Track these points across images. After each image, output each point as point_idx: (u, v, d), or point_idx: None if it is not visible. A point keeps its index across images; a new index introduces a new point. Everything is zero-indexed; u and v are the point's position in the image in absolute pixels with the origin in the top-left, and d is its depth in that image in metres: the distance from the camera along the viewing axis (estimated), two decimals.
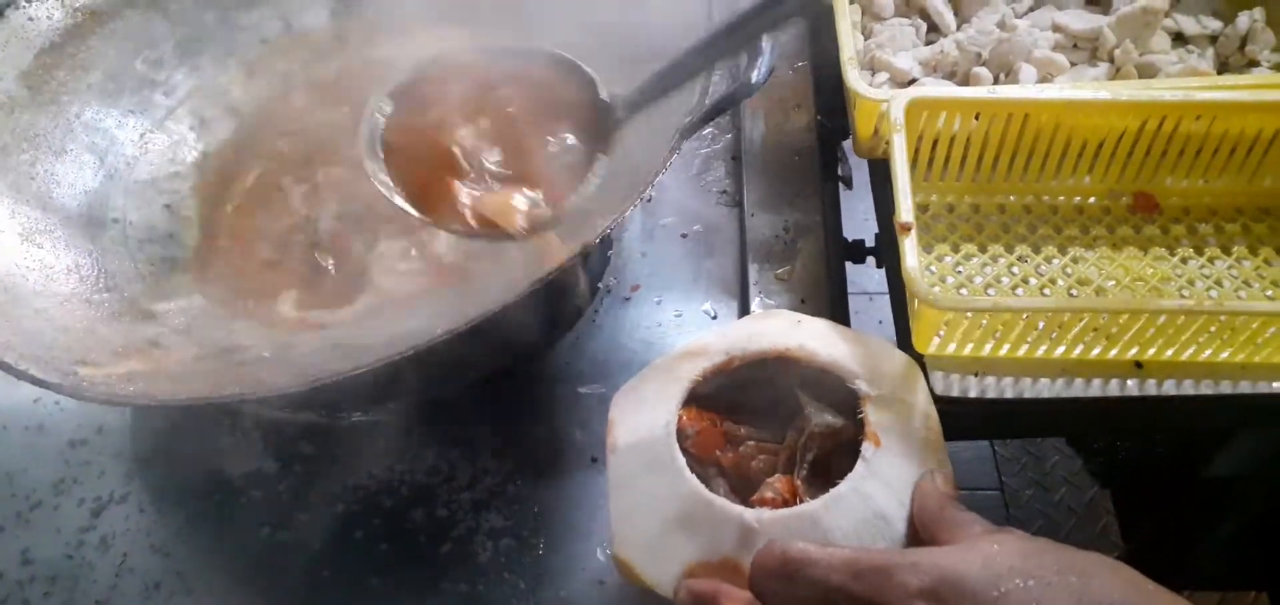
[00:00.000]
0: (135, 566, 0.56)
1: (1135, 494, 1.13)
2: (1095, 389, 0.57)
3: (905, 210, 0.55)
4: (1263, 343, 0.54)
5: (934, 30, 0.75)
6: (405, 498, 0.58)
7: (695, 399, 0.48)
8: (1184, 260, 0.63)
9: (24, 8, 0.69)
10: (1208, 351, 0.55)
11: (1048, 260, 0.63)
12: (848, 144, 0.72)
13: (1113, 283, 0.62)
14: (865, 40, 0.74)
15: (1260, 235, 0.64)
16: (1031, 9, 0.74)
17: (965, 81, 0.69)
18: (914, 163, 0.64)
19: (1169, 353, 0.56)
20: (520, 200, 0.51)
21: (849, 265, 0.72)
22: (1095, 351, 0.56)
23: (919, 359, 0.57)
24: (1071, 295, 0.62)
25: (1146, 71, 0.68)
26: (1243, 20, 0.69)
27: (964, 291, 0.62)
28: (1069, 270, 0.63)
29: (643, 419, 0.47)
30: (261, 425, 0.61)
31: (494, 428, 0.60)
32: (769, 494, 0.45)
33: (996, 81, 0.68)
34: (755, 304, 0.64)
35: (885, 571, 0.35)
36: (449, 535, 0.56)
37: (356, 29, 0.80)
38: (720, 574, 0.42)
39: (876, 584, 0.35)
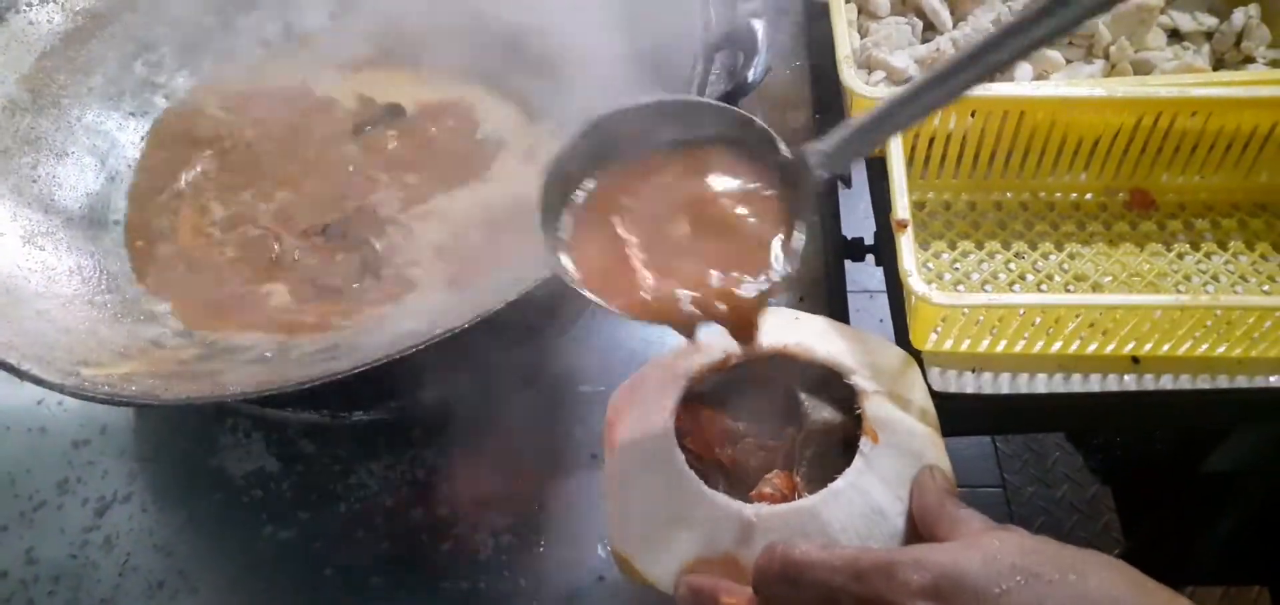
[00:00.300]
0: (138, 565, 0.56)
1: (1136, 490, 1.14)
2: (1093, 384, 0.57)
3: (902, 208, 0.56)
4: (1259, 337, 0.54)
5: (930, 28, 0.75)
6: (406, 496, 0.58)
7: (694, 396, 0.48)
8: (1180, 256, 0.63)
9: (25, 11, 0.69)
10: (1204, 346, 0.56)
11: (1044, 256, 0.64)
12: None
13: (1109, 279, 0.62)
14: (862, 39, 0.74)
15: (1256, 231, 0.64)
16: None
17: None
18: (911, 161, 0.64)
19: (1165, 348, 0.56)
20: (749, 288, 0.42)
21: (848, 263, 0.72)
22: (1092, 347, 0.57)
23: (917, 355, 0.58)
24: (1068, 291, 0.62)
25: (1142, 68, 0.69)
26: (1238, 17, 0.69)
27: (961, 288, 0.62)
28: (1066, 266, 0.63)
29: (642, 416, 0.47)
30: (263, 424, 0.61)
31: (493, 426, 0.61)
32: (767, 490, 0.46)
33: (992, 79, 0.69)
34: None
35: (886, 570, 0.35)
36: (450, 533, 0.56)
37: (355, 31, 0.81)
38: (719, 570, 0.42)
39: (878, 583, 0.35)
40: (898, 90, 0.40)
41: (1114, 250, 0.64)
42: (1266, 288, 0.61)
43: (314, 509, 0.58)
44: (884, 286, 0.65)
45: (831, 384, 0.48)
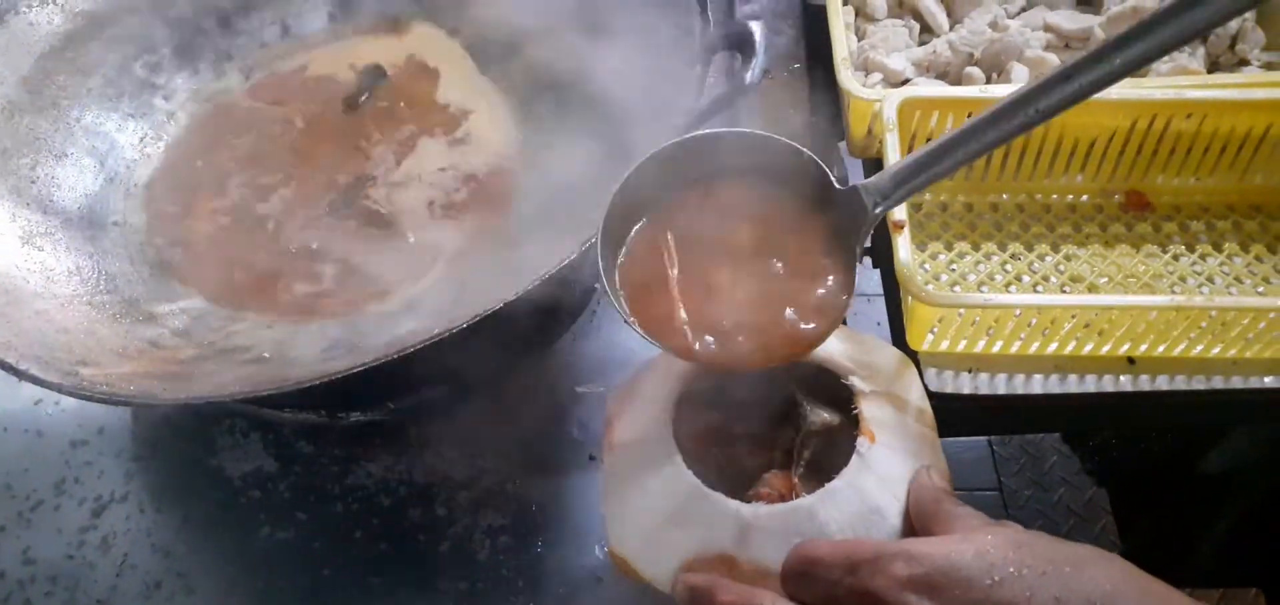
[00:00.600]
0: (136, 565, 0.56)
1: (1132, 492, 1.14)
2: (1088, 385, 0.57)
3: (898, 210, 0.56)
4: (1253, 338, 0.55)
5: (927, 31, 0.75)
6: (403, 497, 0.58)
7: (692, 397, 0.48)
8: (1176, 257, 0.63)
9: (24, 12, 0.69)
10: (1199, 347, 0.56)
11: (1041, 258, 0.64)
12: (843, 144, 0.72)
13: (1105, 280, 0.62)
14: (859, 41, 0.74)
15: (1251, 232, 0.64)
16: (1023, 9, 0.75)
17: (958, 81, 0.70)
18: None
19: (1161, 349, 0.56)
20: (809, 330, 0.43)
21: None
22: (1088, 348, 0.57)
23: (913, 356, 0.58)
24: (1064, 292, 0.62)
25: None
26: (1232, 20, 0.69)
27: (957, 289, 0.62)
28: (1062, 267, 0.63)
29: (640, 416, 0.48)
30: (261, 425, 0.62)
31: (492, 426, 0.61)
32: (765, 490, 0.46)
33: (989, 81, 0.69)
34: None
35: (875, 562, 0.36)
36: (447, 534, 0.57)
37: (354, 33, 0.81)
38: (717, 569, 0.42)
39: (867, 574, 0.36)
40: (954, 130, 0.40)
41: (1110, 251, 0.64)
42: (1261, 289, 0.62)
43: (312, 509, 0.58)
44: (881, 289, 0.66)
45: (829, 384, 0.48)
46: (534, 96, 0.74)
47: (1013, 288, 0.63)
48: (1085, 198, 0.67)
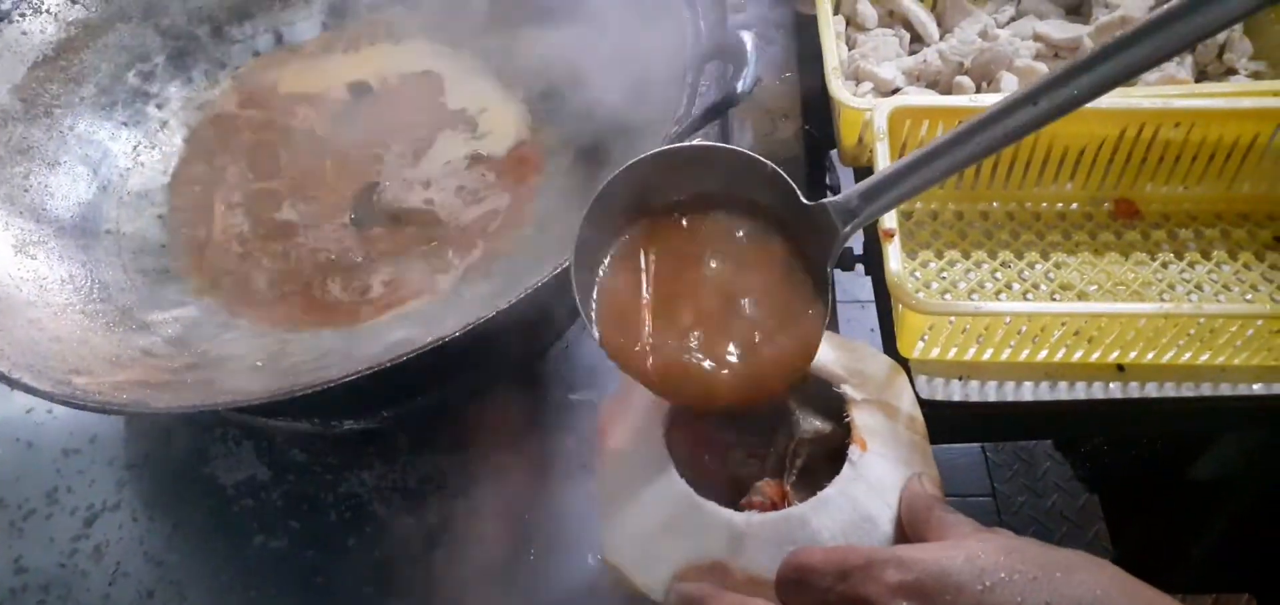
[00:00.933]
0: (128, 574, 0.56)
1: (1124, 498, 1.14)
2: (1079, 391, 0.58)
3: (888, 218, 0.56)
4: (1241, 345, 0.55)
5: (917, 40, 0.76)
6: (397, 505, 0.58)
7: None
8: (1165, 265, 0.64)
9: (17, 22, 0.69)
10: (1188, 354, 0.56)
11: (1031, 266, 0.64)
12: (835, 153, 0.73)
13: (1094, 287, 0.63)
14: (850, 50, 0.75)
15: (1239, 240, 0.65)
16: (1013, 19, 0.75)
17: (948, 90, 0.70)
18: None
19: (1150, 356, 0.57)
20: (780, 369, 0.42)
21: (838, 273, 0.73)
22: (1078, 355, 0.57)
23: (904, 363, 0.58)
24: (1054, 300, 0.62)
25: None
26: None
27: (948, 296, 0.63)
28: (1051, 275, 0.64)
29: (633, 425, 0.48)
30: (254, 433, 0.62)
31: (485, 435, 0.61)
32: (758, 498, 0.46)
33: (979, 90, 0.69)
34: None
35: (867, 569, 0.36)
36: (441, 542, 0.57)
37: (346, 42, 0.81)
38: (710, 577, 0.42)
39: (859, 581, 0.36)
40: (923, 147, 0.39)
41: (1099, 259, 0.64)
42: (1249, 296, 0.62)
43: (305, 518, 0.58)
44: (873, 296, 0.66)
45: (820, 392, 0.48)
46: (530, 102, 0.75)
47: (1003, 295, 0.63)
48: (1075, 206, 0.67)
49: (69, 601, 0.56)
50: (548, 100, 0.73)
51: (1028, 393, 0.58)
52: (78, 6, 0.72)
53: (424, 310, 0.62)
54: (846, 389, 0.47)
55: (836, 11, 0.77)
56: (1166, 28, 0.33)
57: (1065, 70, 0.35)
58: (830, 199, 0.42)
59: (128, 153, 0.73)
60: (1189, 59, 0.70)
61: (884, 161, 0.59)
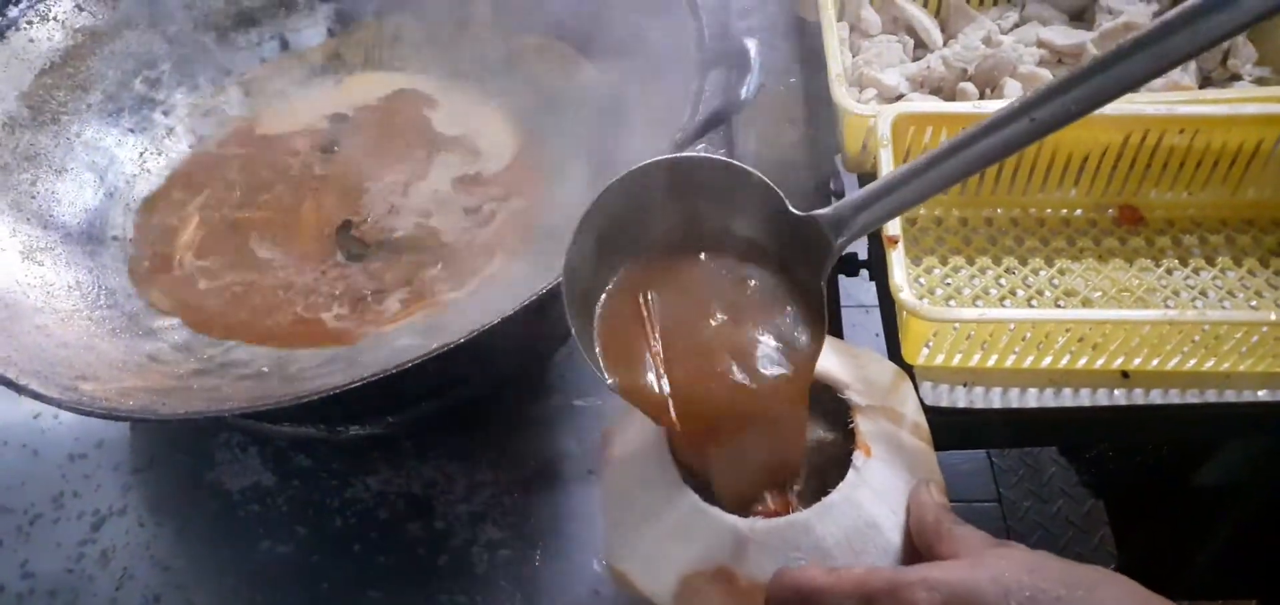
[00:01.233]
0: (135, 579, 0.57)
1: (1130, 504, 1.14)
2: (1083, 398, 0.58)
3: (892, 225, 0.56)
4: (1246, 352, 0.55)
5: (921, 47, 0.76)
6: (402, 511, 0.58)
7: None
8: (1169, 271, 0.64)
9: (25, 29, 0.70)
10: (1192, 361, 0.56)
11: (1035, 272, 0.64)
12: (839, 159, 0.73)
13: (1099, 294, 0.63)
14: (853, 57, 0.75)
15: (1243, 246, 0.65)
16: (1016, 25, 0.75)
17: (951, 97, 0.70)
18: None
19: (1155, 362, 0.57)
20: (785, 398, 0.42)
21: (843, 279, 0.73)
22: (1082, 362, 0.57)
23: (909, 370, 0.58)
24: (1058, 306, 0.62)
25: None
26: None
27: (952, 303, 0.63)
28: (1056, 282, 0.64)
29: (637, 431, 0.48)
30: (259, 439, 0.62)
31: (490, 440, 0.61)
32: (761, 505, 0.46)
33: (982, 97, 0.70)
34: None
35: (894, 591, 0.36)
36: (446, 547, 0.57)
37: (352, 49, 0.81)
38: (714, 582, 0.43)
39: (888, 604, 0.36)
40: (914, 160, 0.38)
41: (1103, 266, 0.64)
42: (1254, 303, 0.62)
43: (311, 523, 0.58)
44: (878, 302, 0.66)
45: (825, 399, 0.48)
46: (535, 110, 0.75)
47: (1007, 302, 0.63)
48: (1079, 212, 0.67)
49: None
50: (550, 112, 0.74)
51: (1032, 399, 0.58)
52: (85, 14, 0.73)
53: (430, 319, 0.63)
54: (850, 395, 0.47)
55: (840, 18, 0.77)
56: (1163, 40, 0.32)
57: (1064, 80, 0.34)
58: (821, 211, 0.40)
59: (134, 159, 0.73)
60: (1193, 65, 0.70)
61: (888, 168, 0.59)
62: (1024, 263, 0.65)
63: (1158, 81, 0.68)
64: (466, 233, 0.68)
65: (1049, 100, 0.35)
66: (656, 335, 0.43)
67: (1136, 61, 0.33)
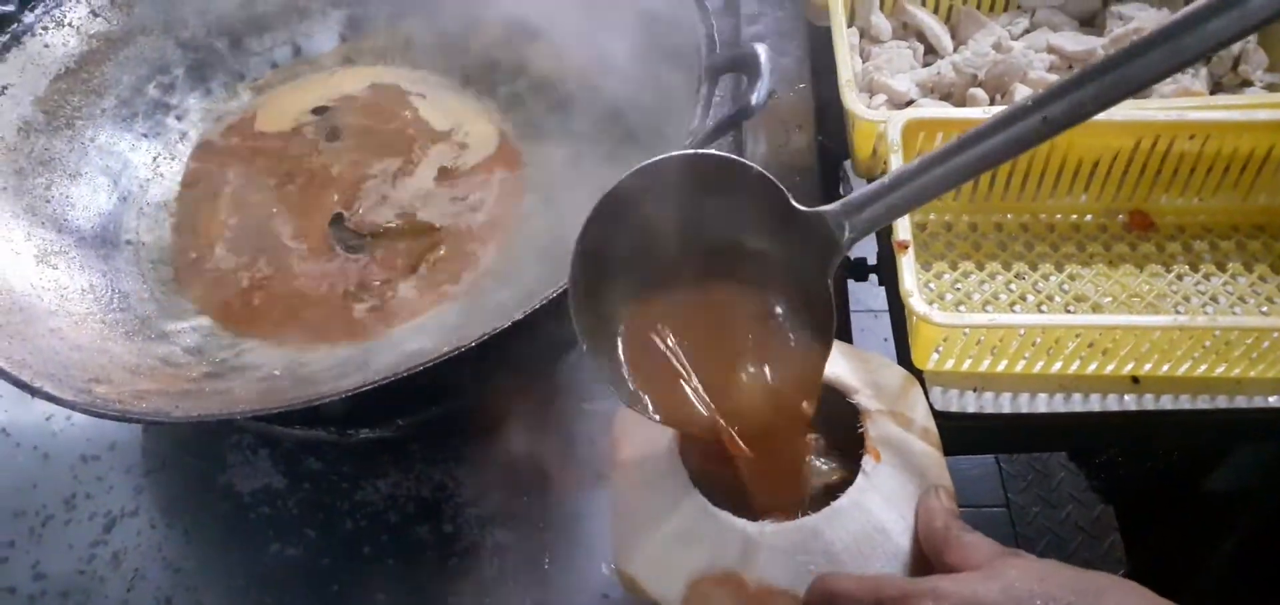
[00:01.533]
0: (147, 580, 0.57)
1: (1140, 510, 1.13)
2: (1093, 404, 0.58)
3: (903, 229, 0.57)
4: (1257, 357, 0.55)
5: (931, 52, 0.76)
6: (412, 513, 0.58)
7: None
8: (1179, 277, 0.64)
9: (40, 35, 0.70)
10: (1203, 367, 0.56)
11: (1045, 278, 0.64)
12: (849, 164, 0.73)
13: (1109, 299, 0.63)
14: (863, 63, 0.75)
15: (1254, 252, 0.64)
16: (1027, 31, 0.75)
17: (962, 102, 0.70)
18: None
19: (1165, 368, 0.56)
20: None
21: (852, 283, 0.73)
22: (1092, 367, 0.57)
23: (918, 375, 0.58)
24: (1068, 312, 0.62)
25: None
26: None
27: (962, 308, 0.63)
28: (1065, 287, 0.64)
29: (646, 435, 0.48)
30: (270, 441, 0.62)
31: (499, 444, 0.61)
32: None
33: (992, 102, 0.69)
34: None
35: (902, 601, 0.36)
36: (455, 550, 0.57)
37: (364, 54, 0.82)
38: (723, 587, 0.43)
39: None
40: (919, 158, 0.38)
41: (1113, 271, 0.64)
42: (1264, 309, 0.62)
43: (320, 526, 0.58)
44: (887, 306, 0.66)
45: (834, 402, 0.48)
46: (538, 115, 0.75)
47: (1017, 307, 0.63)
48: (1089, 218, 0.67)
49: None
50: (560, 112, 0.74)
51: (1042, 405, 0.58)
52: (99, 20, 0.73)
53: (439, 320, 0.63)
54: (860, 400, 0.47)
55: (851, 24, 0.77)
56: (1174, 38, 0.32)
57: (1077, 76, 0.34)
58: (827, 207, 0.40)
59: (148, 164, 0.74)
60: (1204, 71, 0.70)
61: None
62: (1034, 268, 0.65)
63: (1168, 87, 0.68)
64: (460, 219, 0.69)
65: (1061, 97, 0.34)
66: (688, 367, 0.43)
67: (1148, 59, 0.32)
